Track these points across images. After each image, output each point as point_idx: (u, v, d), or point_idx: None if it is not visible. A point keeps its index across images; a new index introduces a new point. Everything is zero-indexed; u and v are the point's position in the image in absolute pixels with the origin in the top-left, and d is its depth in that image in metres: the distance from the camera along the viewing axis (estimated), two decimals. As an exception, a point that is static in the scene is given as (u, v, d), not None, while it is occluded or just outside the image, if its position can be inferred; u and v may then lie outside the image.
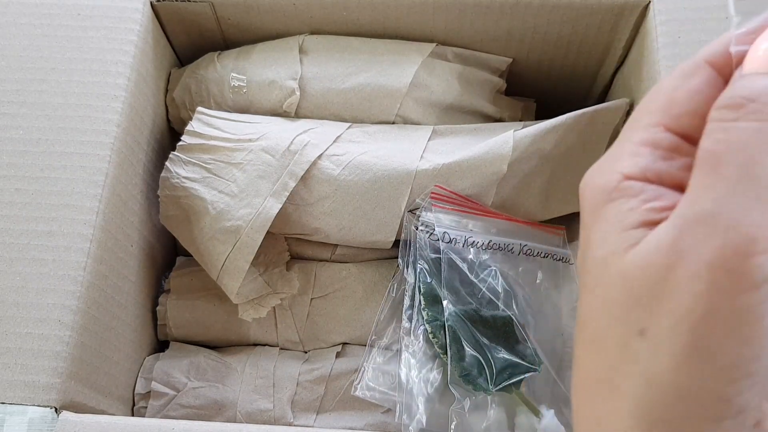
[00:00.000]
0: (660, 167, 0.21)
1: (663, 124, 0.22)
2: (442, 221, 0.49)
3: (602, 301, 0.20)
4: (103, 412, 0.46)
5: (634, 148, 0.21)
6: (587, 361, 0.21)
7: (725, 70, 0.21)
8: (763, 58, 0.20)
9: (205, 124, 0.53)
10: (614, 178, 0.21)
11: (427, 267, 0.48)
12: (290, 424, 0.50)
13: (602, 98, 0.61)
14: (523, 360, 0.45)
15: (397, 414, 0.46)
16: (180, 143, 0.52)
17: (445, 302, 0.47)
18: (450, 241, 0.49)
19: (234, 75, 0.56)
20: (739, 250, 0.18)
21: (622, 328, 0.20)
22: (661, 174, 0.21)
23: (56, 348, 0.42)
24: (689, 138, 0.21)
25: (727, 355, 0.18)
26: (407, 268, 0.50)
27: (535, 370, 0.46)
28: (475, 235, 0.50)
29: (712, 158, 0.19)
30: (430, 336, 0.47)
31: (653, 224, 0.20)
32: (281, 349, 0.54)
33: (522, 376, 0.45)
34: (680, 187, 0.21)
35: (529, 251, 0.50)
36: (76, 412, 0.41)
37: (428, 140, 0.52)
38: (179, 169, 0.52)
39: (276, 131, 0.52)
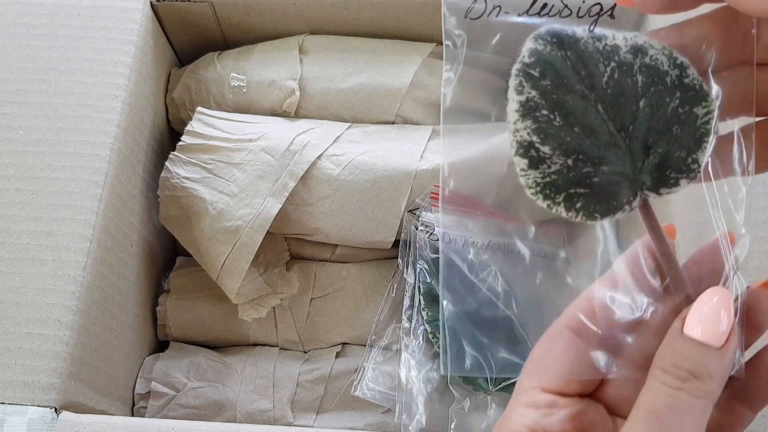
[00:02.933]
0: (543, 423, 0.26)
1: (540, 386, 0.26)
2: (441, 221, 0.49)
3: None
4: (102, 412, 0.46)
5: (520, 410, 0.26)
6: None
7: (583, 330, 0.26)
8: (709, 326, 0.24)
9: (205, 124, 0.53)
10: None
11: (426, 267, 0.49)
12: (290, 424, 0.50)
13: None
14: (522, 360, 0.45)
15: (397, 414, 0.46)
16: (180, 143, 0.52)
17: (444, 302, 0.47)
18: (450, 241, 0.49)
19: (234, 75, 0.56)
20: None
21: None
22: (545, 428, 0.26)
23: (56, 348, 0.42)
24: (563, 393, 0.26)
25: None
26: (407, 268, 0.50)
27: None
28: (475, 235, 0.49)
29: (652, 416, 0.23)
30: (430, 336, 0.47)
31: None
32: (281, 349, 0.54)
33: None
34: None
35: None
36: (75, 412, 0.41)
37: (428, 140, 0.52)
38: (179, 169, 0.52)
39: (276, 131, 0.52)
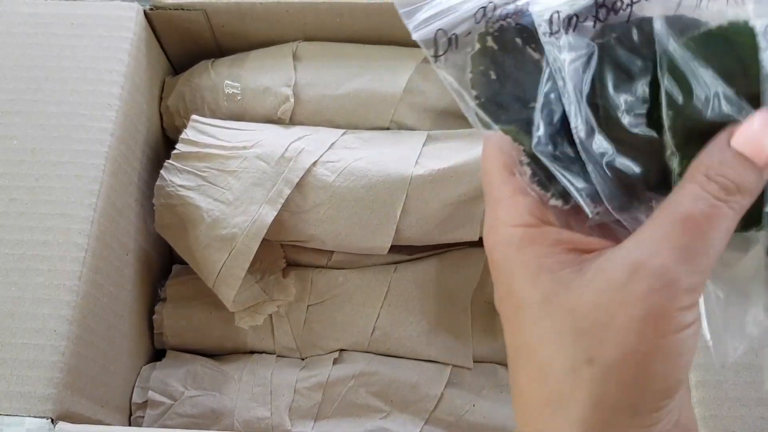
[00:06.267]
0: (539, 207, 0.25)
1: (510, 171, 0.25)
2: None
3: (548, 333, 0.23)
4: (99, 422, 0.45)
5: (510, 201, 0.25)
6: (533, 387, 0.24)
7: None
8: (757, 144, 0.23)
9: (200, 132, 0.53)
10: (514, 232, 0.25)
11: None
12: (288, 432, 0.50)
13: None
14: None
15: None
16: (175, 151, 0.52)
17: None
18: None
19: (228, 82, 0.56)
20: (677, 302, 0.22)
21: (570, 356, 0.23)
22: (543, 212, 0.25)
23: (52, 358, 0.41)
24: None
25: (663, 380, 0.23)
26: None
27: None
28: None
29: (687, 221, 0.22)
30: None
31: (577, 263, 0.24)
32: (278, 356, 0.54)
33: None
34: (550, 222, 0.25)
35: None
36: (72, 423, 0.41)
37: (423, 145, 0.52)
38: (174, 177, 0.52)
39: (271, 138, 0.52)
